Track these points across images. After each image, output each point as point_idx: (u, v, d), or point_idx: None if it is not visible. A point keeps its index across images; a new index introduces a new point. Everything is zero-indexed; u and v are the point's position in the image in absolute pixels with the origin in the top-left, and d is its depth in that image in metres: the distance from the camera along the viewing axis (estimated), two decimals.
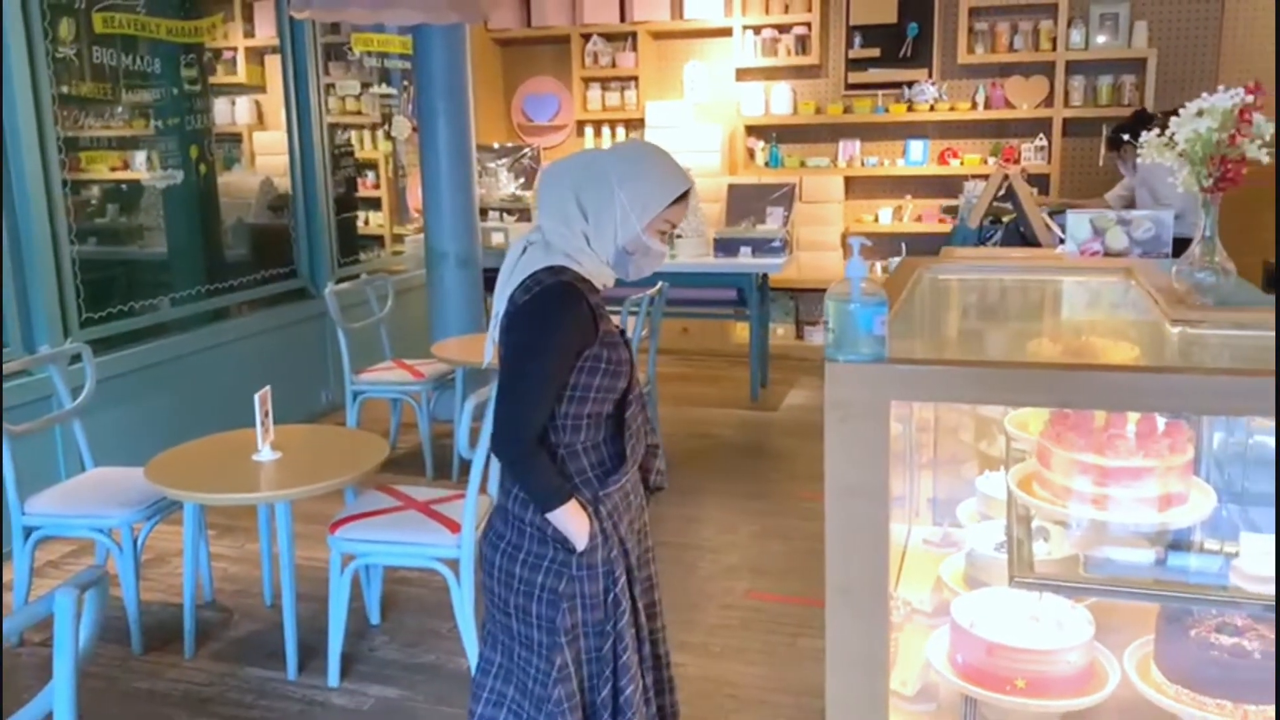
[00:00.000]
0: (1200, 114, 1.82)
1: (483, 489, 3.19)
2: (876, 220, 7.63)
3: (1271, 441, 1.89)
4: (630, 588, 2.20)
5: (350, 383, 5.09)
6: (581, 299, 2.04)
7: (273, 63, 6.17)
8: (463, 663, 3.34)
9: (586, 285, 2.08)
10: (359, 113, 6.95)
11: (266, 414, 3.39)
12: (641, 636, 2.25)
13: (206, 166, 5.58)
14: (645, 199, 2.06)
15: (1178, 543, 1.67)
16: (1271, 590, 1.55)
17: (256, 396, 3.37)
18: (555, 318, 2.01)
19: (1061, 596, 1.78)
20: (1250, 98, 1.78)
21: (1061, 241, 4.92)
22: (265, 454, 3.37)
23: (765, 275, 6.52)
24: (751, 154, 7.89)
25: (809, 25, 7.52)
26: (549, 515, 2.07)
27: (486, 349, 2.27)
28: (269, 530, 3.77)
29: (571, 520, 2.07)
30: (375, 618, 3.69)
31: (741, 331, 7.29)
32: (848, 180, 7.69)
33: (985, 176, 6.11)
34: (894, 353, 1.56)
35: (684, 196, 2.11)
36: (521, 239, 2.17)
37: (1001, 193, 5.08)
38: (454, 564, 3.17)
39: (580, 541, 2.08)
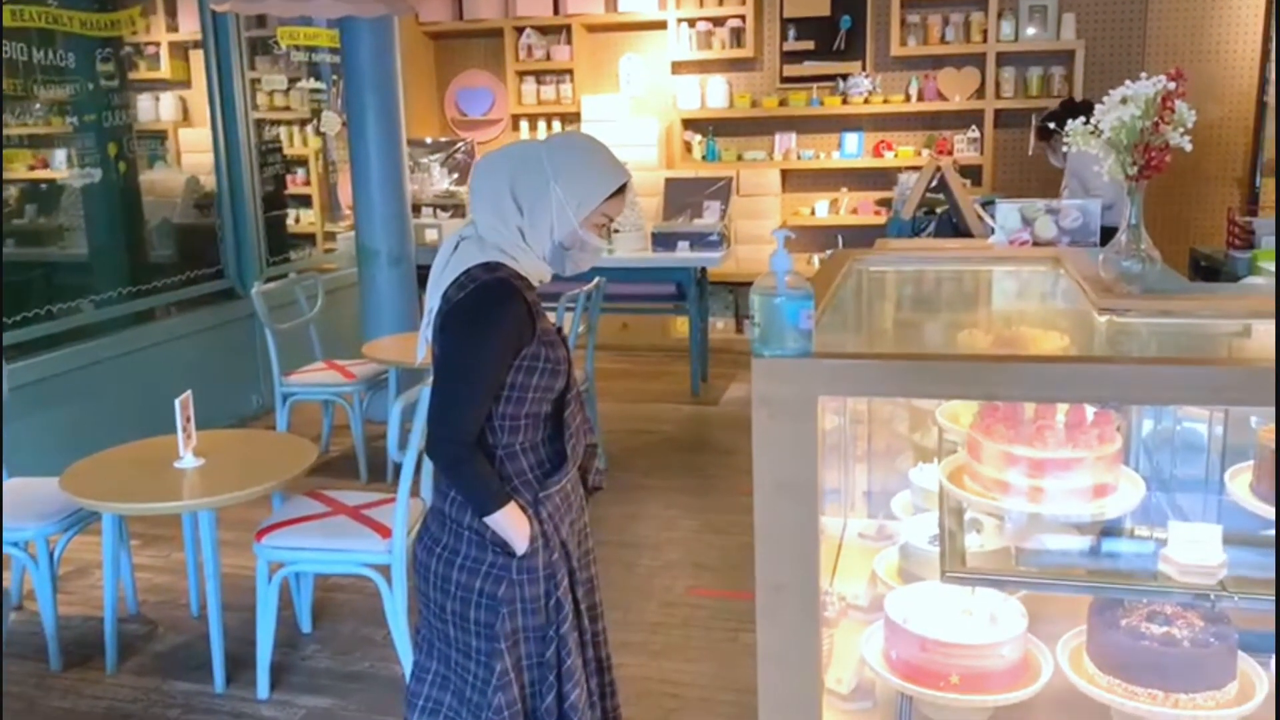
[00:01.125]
0: (1124, 101, 1.81)
1: (415, 492, 3.12)
2: (813, 213, 7.65)
3: (1202, 428, 1.90)
4: (572, 590, 2.15)
5: (280, 385, 4.97)
6: (519, 296, 1.98)
7: (197, 58, 6.00)
8: (397, 669, 3.26)
9: (523, 282, 2.03)
10: (287, 108, 6.79)
11: (188, 419, 3.28)
12: (585, 640, 2.20)
13: (126, 164, 5.41)
14: (582, 193, 2.01)
15: (1108, 533, 1.67)
16: (1200, 579, 1.54)
17: (177, 401, 3.26)
18: (492, 316, 1.95)
19: (994, 590, 1.77)
20: (1173, 85, 1.77)
21: (993, 232, 4.95)
22: (187, 461, 3.26)
23: (704, 269, 6.50)
24: (688, 148, 7.86)
25: (743, 18, 7.50)
26: (487, 519, 2.01)
27: (419, 347, 2.20)
28: (194, 539, 3.65)
29: (510, 523, 2.01)
30: (307, 625, 3.60)
31: (681, 326, 7.26)
32: (784, 173, 7.69)
33: (919, 168, 6.14)
34: (822, 347, 1.53)
35: (621, 190, 2.06)
36: (454, 234, 2.11)
37: (934, 184, 5.10)
38: (385, 570, 3.09)
39: (520, 545, 2.03)
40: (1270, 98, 6.88)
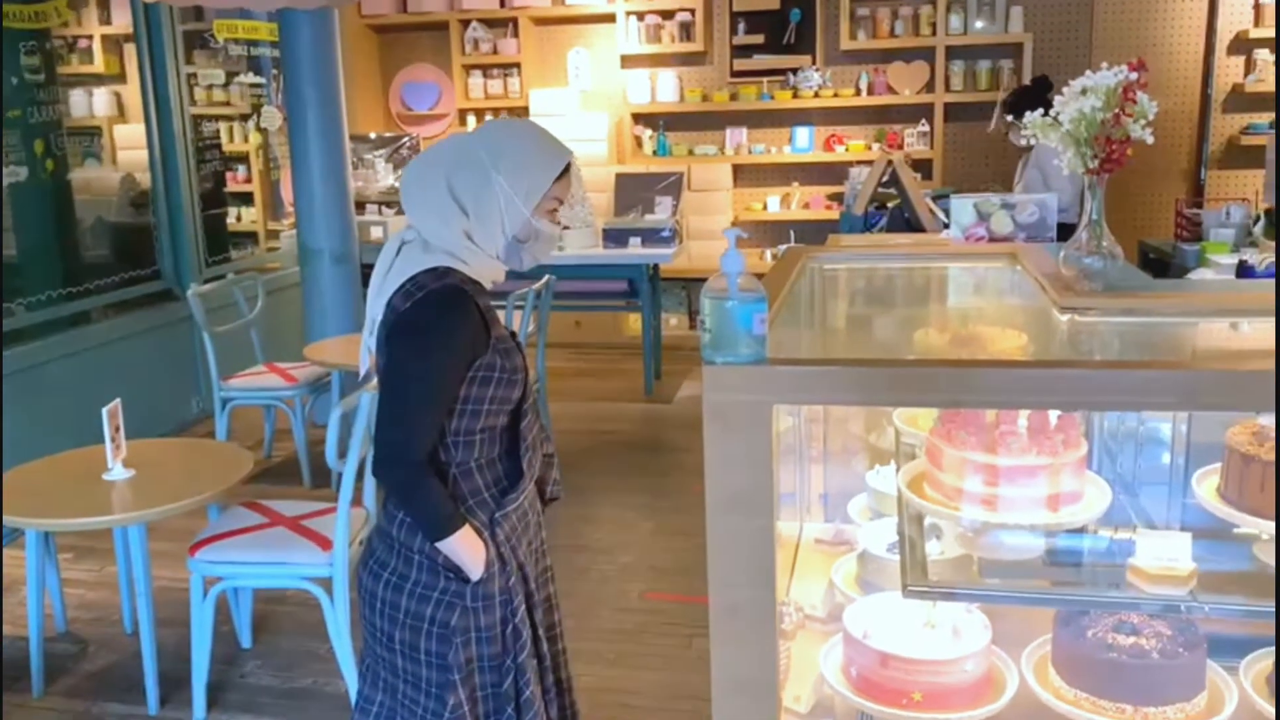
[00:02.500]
0: (1084, 92, 1.75)
1: (357, 501, 3.00)
2: (765, 208, 7.60)
3: (1166, 427, 1.85)
4: (530, 614, 2.03)
5: (218, 389, 4.80)
6: (471, 303, 1.85)
7: (132, 51, 5.79)
8: (340, 685, 3.14)
9: (475, 287, 1.90)
10: (226, 103, 6.60)
11: (117, 429, 3.13)
12: (545, 665, 2.09)
13: (55, 162, 5.19)
14: (529, 180, 1.88)
15: (1074, 542, 1.60)
16: (1170, 589, 1.48)
17: (105, 411, 3.11)
18: (442, 326, 1.81)
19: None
20: (1134, 75, 1.71)
21: (946, 226, 4.92)
22: (116, 472, 3.11)
23: (656, 266, 6.42)
24: (639, 142, 7.77)
25: (692, 11, 7.42)
26: (439, 544, 1.87)
27: (361, 359, 2.05)
28: (127, 554, 3.50)
29: (465, 548, 1.87)
30: (246, 641, 3.46)
31: (634, 323, 7.18)
32: (736, 168, 7.64)
33: (870, 163, 6.10)
34: (777, 351, 1.45)
35: (567, 169, 1.93)
36: (396, 236, 1.97)
37: (885, 179, 5.06)
38: (326, 583, 2.97)
39: (475, 571, 1.90)
40: (1214, 90, 6.95)
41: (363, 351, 2.03)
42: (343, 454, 2.85)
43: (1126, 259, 1.92)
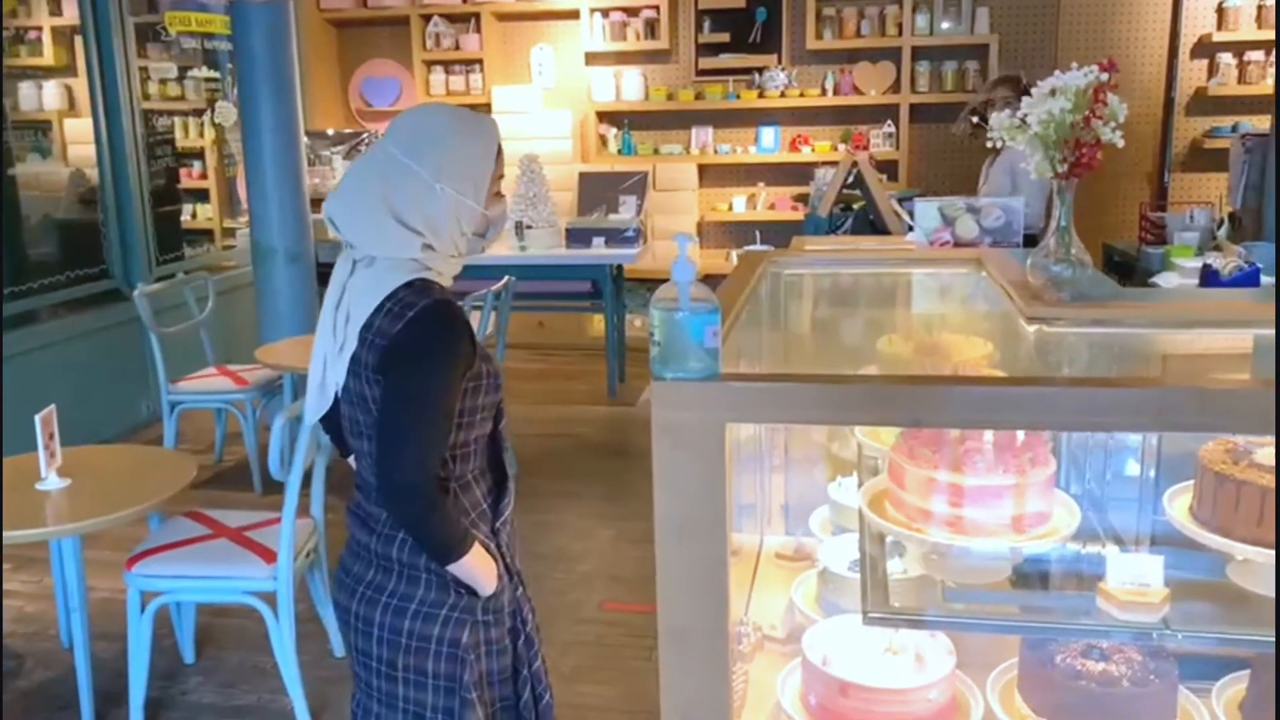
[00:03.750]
0: (1053, 93, 1.68)
1: (304, 512, 2.89)
2: (730, 209, 7.53)
3: (1134, 439, 1.78)
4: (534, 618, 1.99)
5: (167, 392, 4.65)
6: (460, 314, 1.75)
7: (83, 44, 5.63)
8: (286, 703, 3.02)
9: (451, 294, 1.81)
10: (180, 98, 6.43)
11: (51, 436, 3.00)
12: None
13: (0, 157, 5.03)
14: (474, 177, 1.76)
15: (1042, 564, 1.53)
16: (1142, 616, 1.41)
17: (38, 418, 2.97)
18: (443, 343, 1.71)
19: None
20: (1105, 75, 1.65)
21: (911, 228, 4.86)
22: (51, 482, 2.97)
23: (620, 266, 6.33)
24: (603, 141, 7.68)
25: (657, 9, 7.34)
26: (451, 567, 1.76)
27: (313, 394, 1.84)
28: (63, 566, 3.36)
29: (477, 566, 1.78)
30: (189, 656, 3.34)
31: (598, 324, 7.08)
32: (701, 168, 7.56)
33: (835, 164, 6.03)
34: (731, 365, 1.36)
35: (499, 145, 1.81)
36: (343, 257, 1.80)
37: (850, 180, 4.99)
38: (270, 598, 2.85)
39: (488, 587, 1.81)
40: (1177, 94, 6.96)
41: (314, 389, 1.83)
42: (285, 463, 2.74)
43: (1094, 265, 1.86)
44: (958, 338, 1.79)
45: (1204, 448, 1.53)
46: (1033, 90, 1.73)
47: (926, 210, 2.46)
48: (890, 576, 1.59)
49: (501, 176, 1.82)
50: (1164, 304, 2.00)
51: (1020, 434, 1.52)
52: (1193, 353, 1.61)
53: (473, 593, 1.81)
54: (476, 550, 1.78)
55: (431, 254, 1.76)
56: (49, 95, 5.60)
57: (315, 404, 1.85)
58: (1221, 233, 4.97)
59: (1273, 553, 1.40)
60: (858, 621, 1.66)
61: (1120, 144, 1.67)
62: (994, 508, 1.47)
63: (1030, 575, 1.53)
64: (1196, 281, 4.46)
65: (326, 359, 1.79)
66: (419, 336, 1.69)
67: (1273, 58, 6.71)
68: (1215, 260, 4.58)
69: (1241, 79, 6.86)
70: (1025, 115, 1.73)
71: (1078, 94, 1.66)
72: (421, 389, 1.70)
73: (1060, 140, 1.69)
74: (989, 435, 1.53)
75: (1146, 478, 1.77)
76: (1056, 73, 1.68)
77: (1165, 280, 4.70)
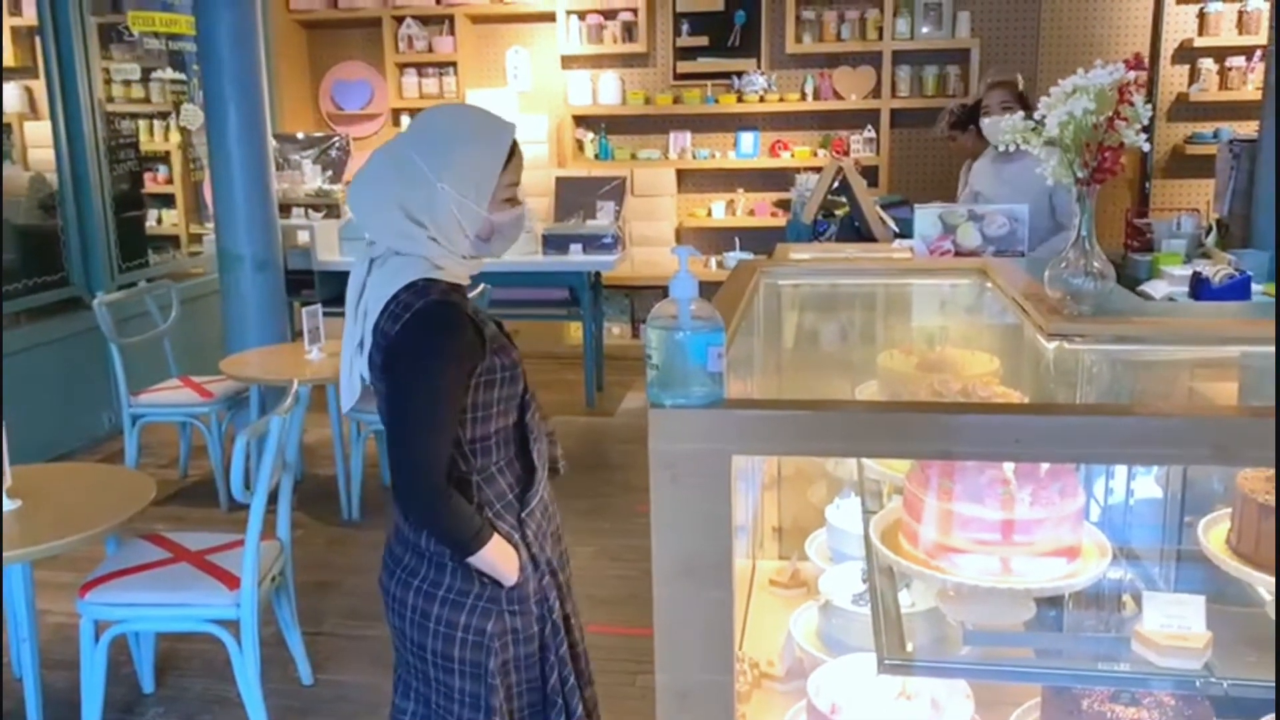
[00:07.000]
0: (1074, 93, 1.56)
1: (269, 534, 2.74)
2: (709, 214, 7.41)
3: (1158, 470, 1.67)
4: (562, 605, 1.98)
5: (128, 405, 4.47)
6: (459, 313, 1.79)
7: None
8: None
9: (459, 294, 1.85)
10: (145, 100, 6.25)
11: None
12: (576, 652, 2.06)
13: None
14: (476, 180, 1.78)
15: (1072, 605, 1.41)
16: (1183, 662, 1.29)
17: None
18: (436, 344, 1.76)
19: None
20: (1131, 74, 1.53)
21: (897, 235, 4.74)
22: None
23: (598, 273, 6.20)
24: (580, 146, 7.54)
25: (635, 11, 7.21)
26: (471, 560, 1.81)
27: (344, 389, 1.93)
28: (11, 593, 3.18)
29: (497, 558, 1.83)
30: (148, 684, 3.17)
31: (575, 332, 6.94)
32: (680, 173, 7.43)
33: (816, 169, 5.93)
34: (735, 391, 1.23)
35: (514, 149, 1.81)
36: (362, 256, 1.86)
37: (835, 185, 4.88)
38: (233, 626, 2.70)
39: (509, 578, 1.85)
40: (1158, 99, 6.91)
41: (345, 379, 1.93)
42: (249, 484, 2.60)
43: None
44: (974, 354, 1.67)
45: (1242, 474, 1.42)
46: (1051, 90, 1.61)
47: (926, 217, 2.34)
48: (903, 613, 1.47)
49: (515, 184, 1.84)
50: (1188, 320, 1.89)
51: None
52: (1230, 374, 1.50)
53: (497, 583, 1.85)
54: (496, 542, 1.82)
55: (441, 252, 1.81)
56: (8, 97, 5.41)
57: (346, 395, 1.95)
58: (1210, 240, 4.90)
59: None
60: (865, 661, 1.55)
61: (1146, 148, 1.56)
62: (1022, 545, 1.35)
63: (1058, 616, 1.41)
64: (1186, 289, 4.39)
65: (352, 354, 1.89)
66: (412, 338, 1.76)
67: (1254, 63, 6.67)
68: (1205, 268, 4.50)
69: (1223, 85, 6.82)
70: (1043, 117, 1.62)
71: (1101, 93, 1.55)
72: (418, 391, 1.76)
73: (1081, 143, 1.58)
74: (1009, 465, 1.41)
75: (1168, 504, 1.65)
76: (1080, 70, 1.56)
77: (1153, 288, 4.62)
